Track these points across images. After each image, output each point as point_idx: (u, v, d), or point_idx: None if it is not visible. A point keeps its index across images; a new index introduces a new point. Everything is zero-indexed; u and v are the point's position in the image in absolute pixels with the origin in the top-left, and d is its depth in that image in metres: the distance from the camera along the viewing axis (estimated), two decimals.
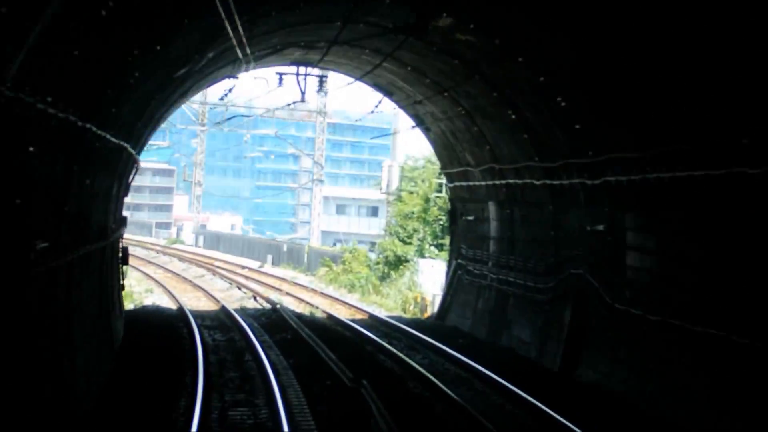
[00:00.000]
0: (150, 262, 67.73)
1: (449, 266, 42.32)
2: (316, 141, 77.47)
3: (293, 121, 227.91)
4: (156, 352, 28.95)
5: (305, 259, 68.76)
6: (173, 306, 44.97)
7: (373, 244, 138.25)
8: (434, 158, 59.88)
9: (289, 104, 49.44)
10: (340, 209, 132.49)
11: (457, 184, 40.29)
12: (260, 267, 70.31)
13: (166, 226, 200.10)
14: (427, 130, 40.78)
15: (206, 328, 35.91)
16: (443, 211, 54.35)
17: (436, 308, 44.60)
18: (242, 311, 43.11)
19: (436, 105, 36.81)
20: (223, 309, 42.88)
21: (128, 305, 43.07)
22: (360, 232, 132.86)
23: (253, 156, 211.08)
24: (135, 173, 32.04)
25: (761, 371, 19.90)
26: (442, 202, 53.56)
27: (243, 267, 69.80)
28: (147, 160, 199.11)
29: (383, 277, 54.29)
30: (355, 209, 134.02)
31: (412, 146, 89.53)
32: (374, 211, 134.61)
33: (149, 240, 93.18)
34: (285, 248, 72.79)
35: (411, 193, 55.01)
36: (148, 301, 46.53)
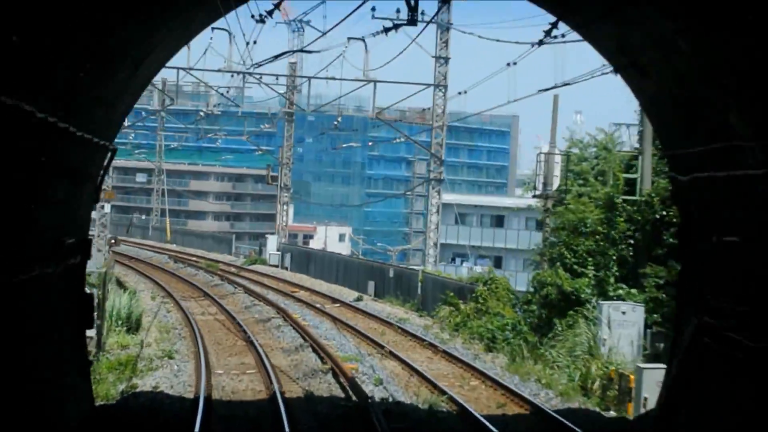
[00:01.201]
0: (205, 296, 48.71)
1: (681, 324, 22.06)
2: (433, 127, 57.19)
3: (406, 124, 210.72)
4: None
5: (418, 290, 49.22)
6: (190, 391, 25.43)
7: (498, 260, 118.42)
8: (598, 143, 39.68)
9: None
10: (461, 218, 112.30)
11: (698, 175, 19.87)
12: (357, 301, 50.83)
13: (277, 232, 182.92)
14: (642, 75, 20.50)
15: None
16: (634, 223, 34.27)
17: (644, 394, 24.63)
18: (306, 404, 23.45)
19: (668, 19, 16.92)
20: (274, 399, 23.29)
21: (113, 388, 23.87)
22: (484, 244, 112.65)
23: (362, 161, 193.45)
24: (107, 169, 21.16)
25: None
26: (633, 210, 33.51)
27: (334, 301, 50.44)
28: (249, 166, 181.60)
29: (541, 328, 34.40)
30: (477, 218, 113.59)
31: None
32: (499, 221, 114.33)
33: (226, 259, 74.68)
34: (391, 273, 53.23)
35: (581, 196, 35.04)
36: (155, 378, 27.08)
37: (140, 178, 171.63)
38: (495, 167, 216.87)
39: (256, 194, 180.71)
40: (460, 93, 57.63)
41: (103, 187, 53.44)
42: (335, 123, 58.45)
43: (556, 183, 36.34)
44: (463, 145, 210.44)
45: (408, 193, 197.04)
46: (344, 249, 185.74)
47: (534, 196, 40.35)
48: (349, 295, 54.11)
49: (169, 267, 66.27)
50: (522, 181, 56.96)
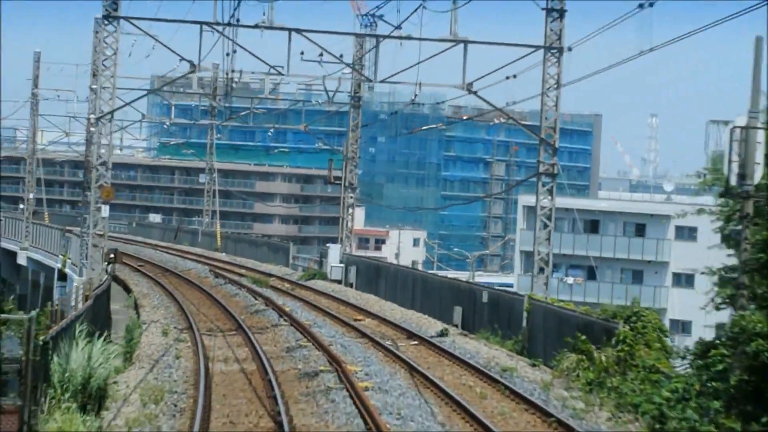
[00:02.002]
0: (238, 329, 35.32)
1: None
2: (543, 107, 43.17)
3: (483, 123, 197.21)
4: None
5: (523, 322, 35.69)
6: None
7: (592, 270, 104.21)
8: None
9: None
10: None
11: None
12: (441, 336, 37.26)
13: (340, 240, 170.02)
14: None
15: None
16: None
17: None
18: None
19: None
20: None
21: None
22: (576, 253, 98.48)
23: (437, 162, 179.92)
24: None
25: None
26: None
27: (411, 335, 37.11)
28: (318, 166, 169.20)
29: (744, 403, 20.94)
30: (567, 223, 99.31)
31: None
32: (594, 226, 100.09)
33: (280, 271, 61.55)
34: (485, 298, 39.66)
35: None
36: None
37: (203, 179, 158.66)
38: (577, 169, 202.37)
39: (325, 196, 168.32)
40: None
41: (102, 183, 41.30)
42: (412, 98, 44.99)
43: (758, 173, 22.75)
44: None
45: (490, 195, 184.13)
46: (419, 254, 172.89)
47: (724, 194, 26.78)
48: (429, 325, 40.64)
49: (206, 284, 53.24)
50: (701, 173, 42.36)
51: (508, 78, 39.44)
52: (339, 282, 57.19)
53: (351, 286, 55.79)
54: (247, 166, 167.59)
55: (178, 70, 50.65)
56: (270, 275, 59.48)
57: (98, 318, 30.27)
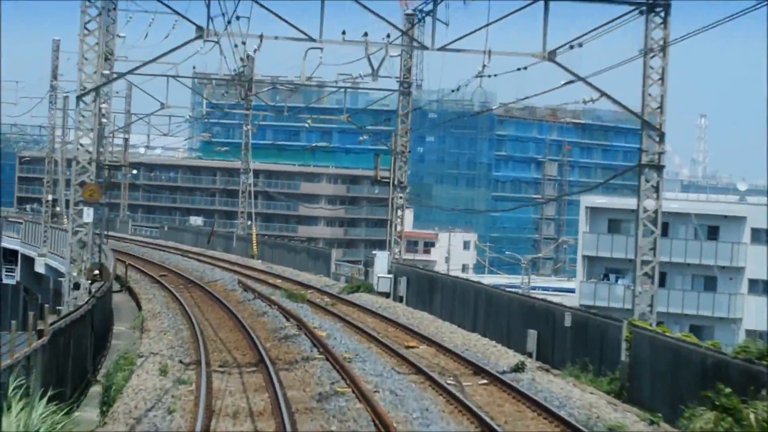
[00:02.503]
0: (260, 362, 27.05)
1: None
2: (645, 76, 34.48)
3: (534, 121, 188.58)
4: None
5: (622, 355, 27.45)
6: None
7: (661, 276, 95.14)
8: None
9: None
10: (614, 226, 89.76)
11: None
12: (516, 371, 28.93)
13: (387, 244, 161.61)
14: None
15: None
16: None
17: None
18: None
19: None
20: None
21: None
22: (644, 258, 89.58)
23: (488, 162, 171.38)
24: None
25: None
26: None
27: (477, 370, 28.95)
28: (365, 167, 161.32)
29: None
30: (631, 225, 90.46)
31: None
32: (664, 229, 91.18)
33: (320, 282, 53.49)
34: (567, 321, 31.41)
35: None
36: None
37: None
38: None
39: (372, 197, 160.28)
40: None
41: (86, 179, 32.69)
42: (480, 69, 36.54)
43: None
44: (597, 144, 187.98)
45: (556, 198, 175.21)
46: (469, 258, 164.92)
47: None
48: (498, 355, 32.37)
49: (232, 299, 45.06)
50: None
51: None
52: (387, 295, 49.05)
53: (401, 300, 47.58)
54: (291, 166, 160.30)
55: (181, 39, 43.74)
56: (308, 287, 51.47)
57: (65, 361, 22.26)
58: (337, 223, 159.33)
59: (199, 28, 30.11)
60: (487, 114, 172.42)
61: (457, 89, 39.69)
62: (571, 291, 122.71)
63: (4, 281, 79.35)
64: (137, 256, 67.13)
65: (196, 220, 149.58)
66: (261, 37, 30.20)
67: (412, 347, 33.73)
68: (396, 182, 53.05)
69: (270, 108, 76.01)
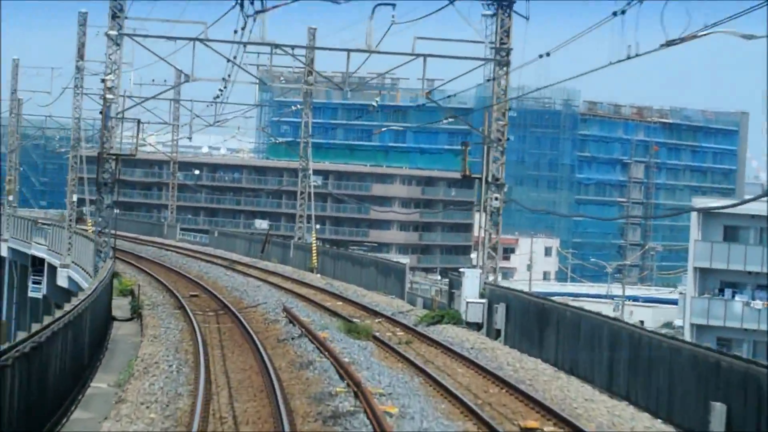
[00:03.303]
0: None
1: None
2: None
3: (619, 120, 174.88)
4: None
5: None
6: None
7: None
8: None
9: None
10: (731, 233, 76.20)
11: None
12: None
13: (464, 252, 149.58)
14: None
15: None
16: None
17: None
18: None
19: None
20: None
21: None
22: (765, 270, 75.92)
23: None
24: None
25: None
26: None
27: None
28: (441, 168, 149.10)
29: None
30: (755, 233, 76.82)
31: None
32: None
33: (393, 304, 40.98)
34: None
35: None
36: None
37: (315, 181, 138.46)
38: (721, 171, 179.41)
39: (449, 200, 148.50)
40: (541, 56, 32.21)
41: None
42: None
43: None
44: (686, 145, 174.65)
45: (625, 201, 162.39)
46: (551, 265, 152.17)
47: None
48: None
49: (270, 335, 32.12)
50: None
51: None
52: (478, 327, 36.28)
53: (498, 336, 34.73)
54: (363, 167, 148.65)
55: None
56: (375, 313, 38.88)
57: None
58: (411, 227, 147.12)
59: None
60: (570, 112, 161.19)
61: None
62: (668, 303, 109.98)
63: (30, 294, 68.02)
64: (172, 269, 55.10)
65: (261, 224, 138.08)
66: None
67: (531, 428, 21.08)
68: (490, 178, 40.06)
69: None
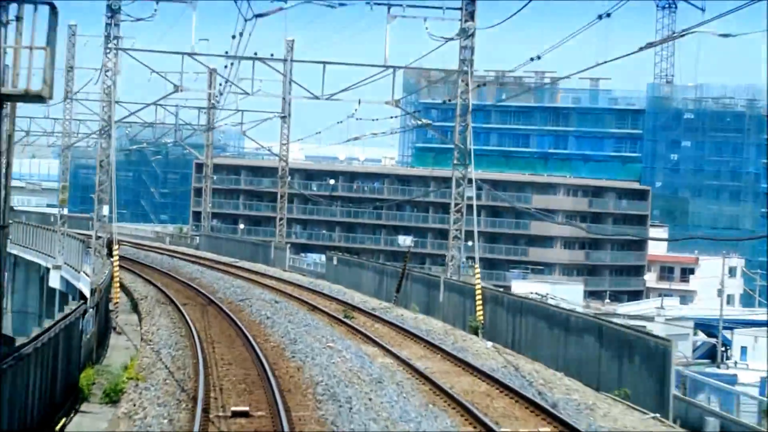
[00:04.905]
0: None
1: None
2: None
3: None
4: None
5: None
6: None
7: None
8: None
9: None
10: None
11: None
12: None
13: (635, 273, 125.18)
14: None
15: None
16: None
17: None
18: None
19: None
20: None
21: None
22: None
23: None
24: None
25: None
26: None
27: None
28: (608, 177, 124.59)
29: None
30: None
31: None
32: None
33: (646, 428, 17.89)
34: None
35: None
36: None
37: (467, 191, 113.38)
38: None
39: (620, 213, 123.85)
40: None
41: None
42: None
43: None
44: None
45: None
46: (735, 288, 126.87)
47: None
48: None
49: None
50: None
51: None
52: None
53: None
54: (521, 175, 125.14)
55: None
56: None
57: None
58: (576, 244, 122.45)
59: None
60: (754, 114, 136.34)
61: None
62: None
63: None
64: (252, 323, 32.07)
65: (405, 240, 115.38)
66: None
67: None
68: None
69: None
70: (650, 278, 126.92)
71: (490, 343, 30.45)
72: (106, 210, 42.85)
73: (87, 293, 33.82)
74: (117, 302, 33.39)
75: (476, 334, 32.39)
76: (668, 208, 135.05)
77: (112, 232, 36.66)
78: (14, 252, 67.36)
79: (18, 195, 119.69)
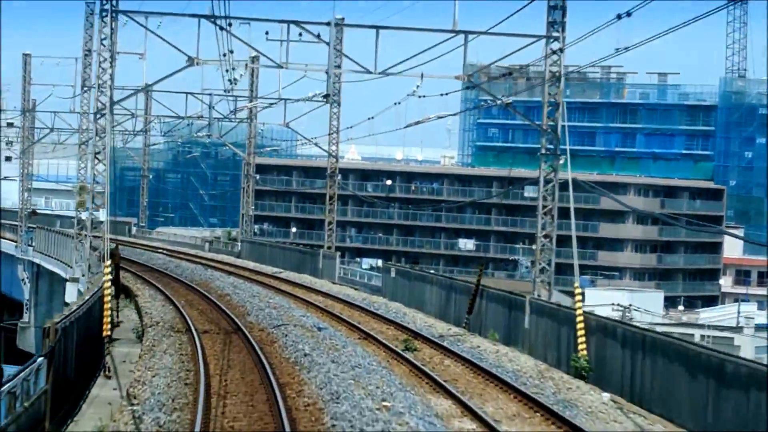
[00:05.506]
0: None
1: None
2: None
3: None
4: None
5: None
6: None
7: None
8: None
9: None
10: None
11: None
12: None
13: (710, 277, 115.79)
14: None
15: None
16: None
17: None
18: None
19: None
20: None
21: None
22: None
23: None
24: None
25: None
26: None
27: None
28: (681, 176, 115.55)
29: None
30: None
31: None
32: None
33: None
34: None
35: None
36: None
37: (530, 191, 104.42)
38: None
39: (693, 215, 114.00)
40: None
41: None
42: None
43: None
44: None
45: None
46: None
47: None
48: None
49: None
50: None
51: None
52: None
53: None
54: (588, 175, 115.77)
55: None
56: None
57: None
58: (648, 247, 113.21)
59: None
60: None
61: None
62: None
63: None
64: (284, 363, 23.94)
65: (466, 244, 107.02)
66: None
67: None
68: None
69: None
70: (725, 282, 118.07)
71: (606, 395, 21.83)
72: (102, 215, 34.86)
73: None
74: (108, 334, 25.30)
75: (582, 377, 23.78)
76: (742, 208, 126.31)
77: (105, 239, 28.54)
78: (36, 261, 60.20)
79: (53, 198, 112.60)
